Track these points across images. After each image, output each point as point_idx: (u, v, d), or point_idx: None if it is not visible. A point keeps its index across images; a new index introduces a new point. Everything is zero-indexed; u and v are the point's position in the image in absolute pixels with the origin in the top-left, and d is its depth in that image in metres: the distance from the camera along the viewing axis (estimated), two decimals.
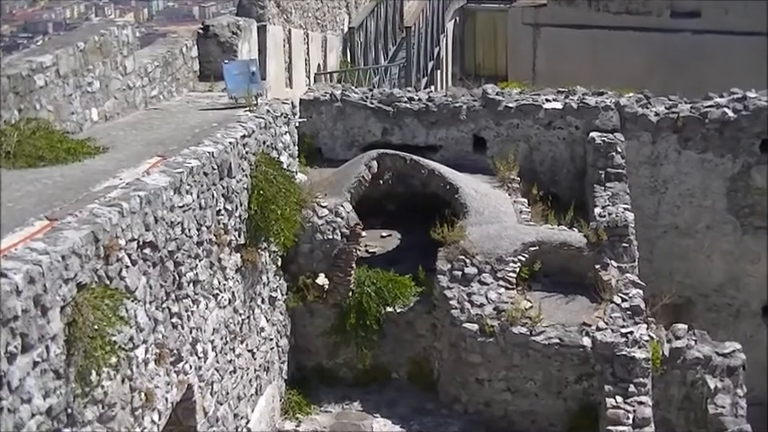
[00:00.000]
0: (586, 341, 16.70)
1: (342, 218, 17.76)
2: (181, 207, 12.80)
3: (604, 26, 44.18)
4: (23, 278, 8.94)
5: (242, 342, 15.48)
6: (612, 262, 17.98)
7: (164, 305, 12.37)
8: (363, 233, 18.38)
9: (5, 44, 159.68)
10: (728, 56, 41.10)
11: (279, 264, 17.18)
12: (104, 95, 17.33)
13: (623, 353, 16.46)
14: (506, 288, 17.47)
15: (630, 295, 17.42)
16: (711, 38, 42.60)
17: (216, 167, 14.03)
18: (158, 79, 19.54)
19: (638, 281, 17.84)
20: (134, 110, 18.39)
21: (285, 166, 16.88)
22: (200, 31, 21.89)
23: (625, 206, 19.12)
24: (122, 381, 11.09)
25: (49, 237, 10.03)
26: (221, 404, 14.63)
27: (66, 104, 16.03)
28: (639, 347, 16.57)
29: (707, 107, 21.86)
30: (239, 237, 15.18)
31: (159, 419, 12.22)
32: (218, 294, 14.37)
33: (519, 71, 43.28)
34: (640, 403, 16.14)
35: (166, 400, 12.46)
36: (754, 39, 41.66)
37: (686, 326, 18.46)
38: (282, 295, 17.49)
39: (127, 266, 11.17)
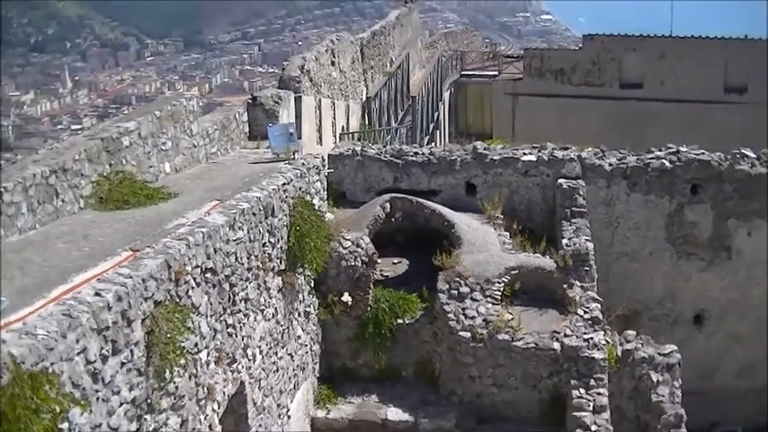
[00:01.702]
0: (556, 345, 16.64)
1: (361, 248, 17.72)
2: (235, 240, 12.84)
3: (568, 95, 44.63)
4: (113, 297, 9.02)
5: (283, 347, 15.45)
6: (577, 282, 17.93)
7: (221, 318, 12.40)
8: (379, 260, 18.32)
9: (99, 113, 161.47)
10: (665, 118, 41.45)
11: (312, 285, 17.12)
12: (175, 152, 17.42)
13: (585, 354, 16.40)
14: (493, 303, 17.41)
15: (591, 308, 17.36)
16: (652, 104, 42.98)
17: (262, 209, 14.06)
18: (217, 139, 19.61)
19: (597, 297, 17.77)
20: (197, 163, 18.46)
21: (317, 208, 16.86)
22: (250, 101, 21.99)
23: (586, 238, 19.07)
24: (189, 378, 11.12)
25: (133, 264, 10.12)
26: (267, 396, 14.60)
27: (145, 160, 16.13)
28: (598, 350, 16.50)
29: (649, 159, 21.93)
30: (281, 263, 15.15)
31: (218, 408, 12.22)
32: (264, 309, 14.35)
33: (501, 130, 43.62)
34: (599, 394, 16.07)
35: (224, 393, 12.46)
36: (685, 105, 42.11)
37: (634, 332, 18.49)
38: (315, 310, 17.40)
39: (192, 287, 11.22)
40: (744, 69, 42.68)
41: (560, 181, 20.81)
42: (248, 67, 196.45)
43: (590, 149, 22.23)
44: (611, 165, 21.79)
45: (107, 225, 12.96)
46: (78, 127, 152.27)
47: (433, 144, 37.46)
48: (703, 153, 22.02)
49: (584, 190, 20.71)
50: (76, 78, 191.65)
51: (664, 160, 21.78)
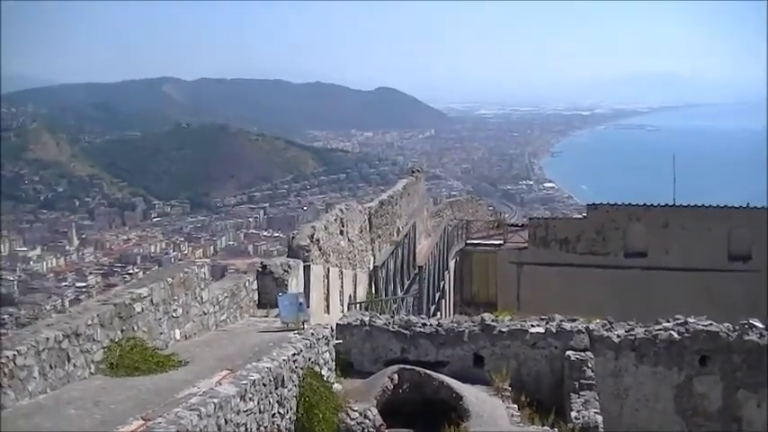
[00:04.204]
0: None
1: (369, 420, 17.60)
2: (245, 411, 12.85)
3: (573, 264, 45.05)
4: None
5: None
6: None
7: None
8: None
9: (104, 271, 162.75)
10: (670, 287, 41.75)
11: None
12: (185, 319, 17.60)
13: None
14: None
15: None
16: (656, 273, 43.36)
17: (272, 380, 14.08)
18: (227, 307, 19.81)
19: None
20: (207, 331, 18.60)
21: (325, 378, 16.86)
22: (260, 269, 22.26)
23: (595, 410, 19.00)
24: None
25: None
26: None
27: (156, 326, 16.31)
28: None
29: (657, 330, 21.94)
30: None
31: None
32: None
33: (507, 299, 43.78)
34: None
35: None
36: (689, 273, 42.43)
37: None
38: None
39: None
40: (747, 237, 43.31)
41: (568, 353, 20.82)
42: (253, 231, 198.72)
43: (597, 321, 22.29)
44: (618, 336, 21.81)
45: (118, 392, 13.02)
46: (83, 284, 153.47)
47: (438, 313, 37.57)
48: (711, 324, 22.07)
49: (593, 362, 20.70)
50: (83, 236, 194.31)
51: (672, 332, 21.81)
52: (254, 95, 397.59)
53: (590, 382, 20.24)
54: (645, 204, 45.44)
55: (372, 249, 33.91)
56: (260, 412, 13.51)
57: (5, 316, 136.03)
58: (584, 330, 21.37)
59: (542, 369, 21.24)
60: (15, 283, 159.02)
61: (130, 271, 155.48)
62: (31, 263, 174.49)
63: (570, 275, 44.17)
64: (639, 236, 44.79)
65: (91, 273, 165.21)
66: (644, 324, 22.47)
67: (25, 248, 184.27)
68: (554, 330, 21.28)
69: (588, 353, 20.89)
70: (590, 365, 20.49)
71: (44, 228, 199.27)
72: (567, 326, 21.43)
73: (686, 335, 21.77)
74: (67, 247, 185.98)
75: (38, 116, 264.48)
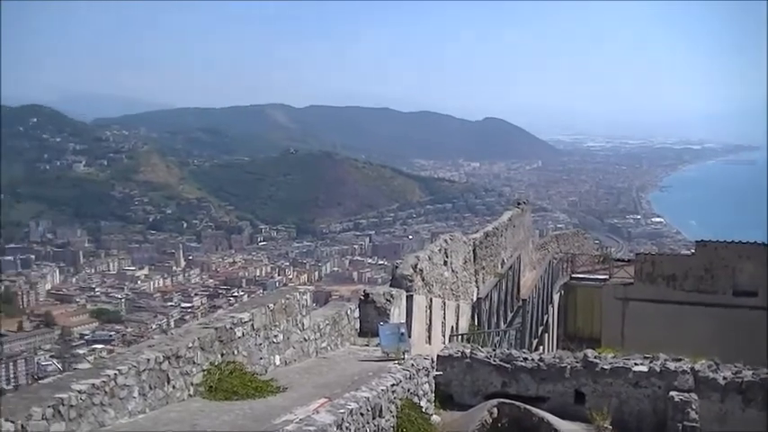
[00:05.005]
0: None
1: None
2: None
3: (679, 301, 44.08)
4: None
5: None
6: None
7: None
8: None
9: (209, 293, 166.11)
10: None
11: None
12: (286, 345, 17.71)
13: None
14: None
15: None
16: (765, 313, 42.15)
17: (370, 409, 14.01)
18: (327, 334, 19.89)
19: None
20: (307, 357, 18.68)
21: (424, 410, 16.73)
22: (362, 297, 22.34)
23: None
24: None
25: None
26: None
27: (256, 351, 16.44)
28: None
29: (766, 374, 21.26)
30: None
31: None
32: None
33: (610, 335, 43.09)
34: None
35: None
36: None
37: None
38: None
39: None
40: None
41: (672, 393, 20.30)
42: (358, 258, 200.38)
43: (703, 362, 21.69)
44: (725, 378, 21.17)
45: (215, 416, 13.14)
46: (188, 305, 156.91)
47: (541, 347, 37.16)
48: None
49: (697, 404, 20.14)
50: (190, 258, 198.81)
51: None
52: (362, 123, 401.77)
53: (694, 424, 19.67)
54: (755, 242, 44.26)
55: (476, 281, 33.70)
56: None
57: (112, 333, 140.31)
58: (688, 371, 20.81)
59: (645, 409, 20.74)
60: (123, 301, 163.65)
61: (235, 294, 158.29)
62: (139, 282, 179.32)
63: (676, 313, 43.24)
64: (749, 274, 43.61)
65: (196, 294, 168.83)
66: (752, 366, 21.79)
67: (133, 268, 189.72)
68: (658, 369, 20.78)
69: (692, 394, 20.32)
70: (694, 407, 19.92)
71: (152, 248, 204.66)
72: (672, 365, 20.90)
73: None
74: (174, 268, 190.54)
75: (149, 139, 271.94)
